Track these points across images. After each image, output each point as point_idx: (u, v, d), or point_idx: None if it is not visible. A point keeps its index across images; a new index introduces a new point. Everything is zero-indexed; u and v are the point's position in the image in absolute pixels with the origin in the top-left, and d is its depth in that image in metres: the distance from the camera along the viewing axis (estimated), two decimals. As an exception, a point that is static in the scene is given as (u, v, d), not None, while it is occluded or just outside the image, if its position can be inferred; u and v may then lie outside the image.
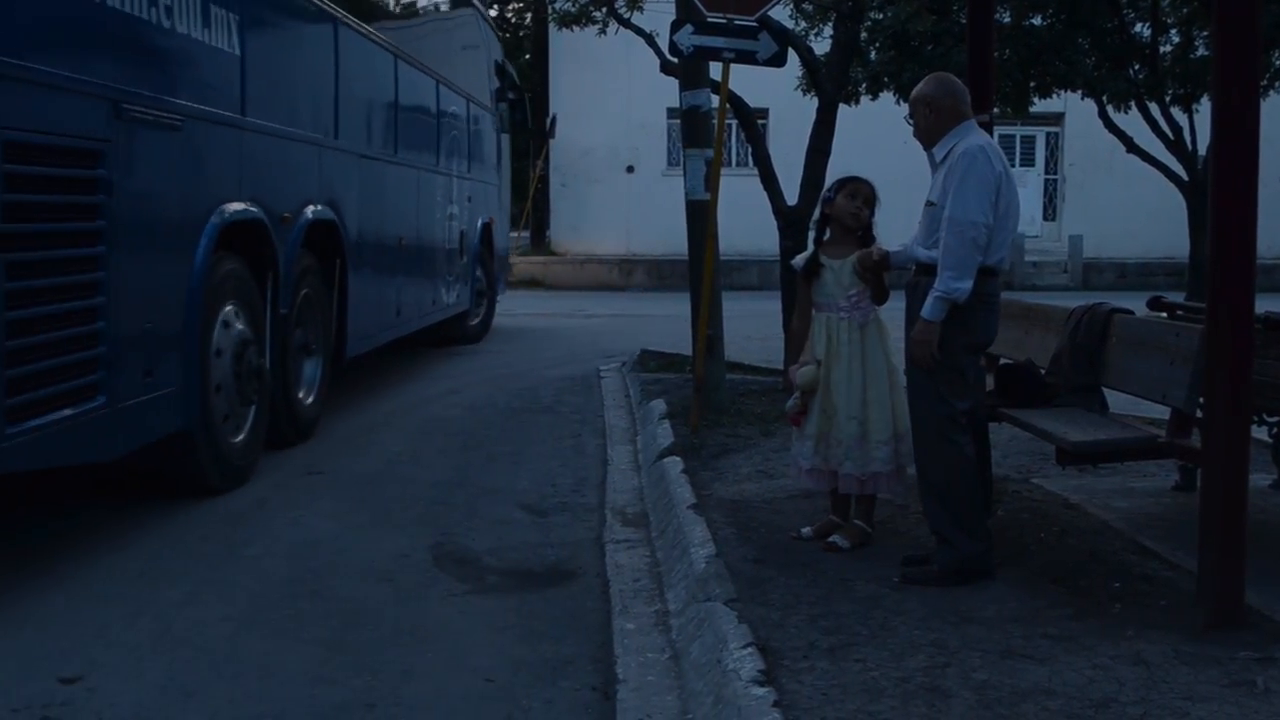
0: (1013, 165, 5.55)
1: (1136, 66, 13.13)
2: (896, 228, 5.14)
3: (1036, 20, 12.78)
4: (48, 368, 4.70)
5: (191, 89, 5.94)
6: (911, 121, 4.81)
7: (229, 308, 6.42)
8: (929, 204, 4.65)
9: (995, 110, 6.02)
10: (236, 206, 6.44)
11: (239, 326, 6.52)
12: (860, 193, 5.10)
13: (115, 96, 5.16)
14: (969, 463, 4.64)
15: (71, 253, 4.90)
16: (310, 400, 7.92)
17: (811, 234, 5.36)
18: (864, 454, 5.02)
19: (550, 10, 10.73)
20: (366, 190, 8.89)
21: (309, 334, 7.86)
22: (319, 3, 7.87)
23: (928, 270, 4.59)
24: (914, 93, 4.82)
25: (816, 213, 5.38)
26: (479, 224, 13.31)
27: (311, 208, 7.65)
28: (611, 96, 25.21)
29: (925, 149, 4.80)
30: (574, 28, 13.83)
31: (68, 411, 4.83)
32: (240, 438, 6.60)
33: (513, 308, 18.16)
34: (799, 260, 5.31)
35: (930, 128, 4.72)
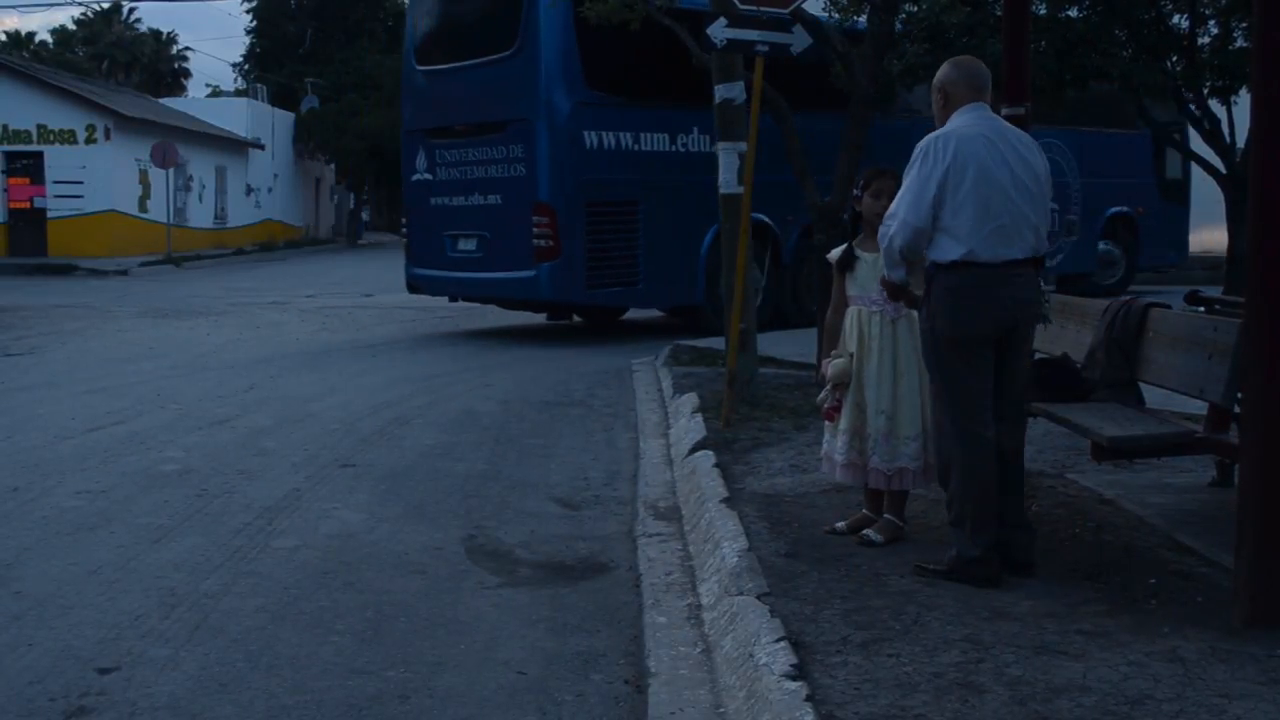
0: (1048, 158, 5.40)
1: (1174, 58, 13.01)
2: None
3: (1072, 11, 12.68)
4: (609, 272, 12.97)
5: (696, 172, 12.32)
6: None
7: None
8: None
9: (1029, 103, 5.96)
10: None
11: None
12: (886, 190, 5.06)
13: (643, 180, 13.15)
14: (968, 470, 4.48)
15: (623, 237, 13.00)
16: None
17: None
18: (891, 449, 5.00)
19: (586, 3, 10.73)
20: None
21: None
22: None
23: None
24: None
25: (849, 210, 5.36)
26: (1106, 213, 18.46)
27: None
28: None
29: None
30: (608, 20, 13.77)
31: (619, 289, 13.14)
32: None
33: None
34: (834, 254, 5.30)
35: (940, 114, 4.65)
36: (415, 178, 14.47)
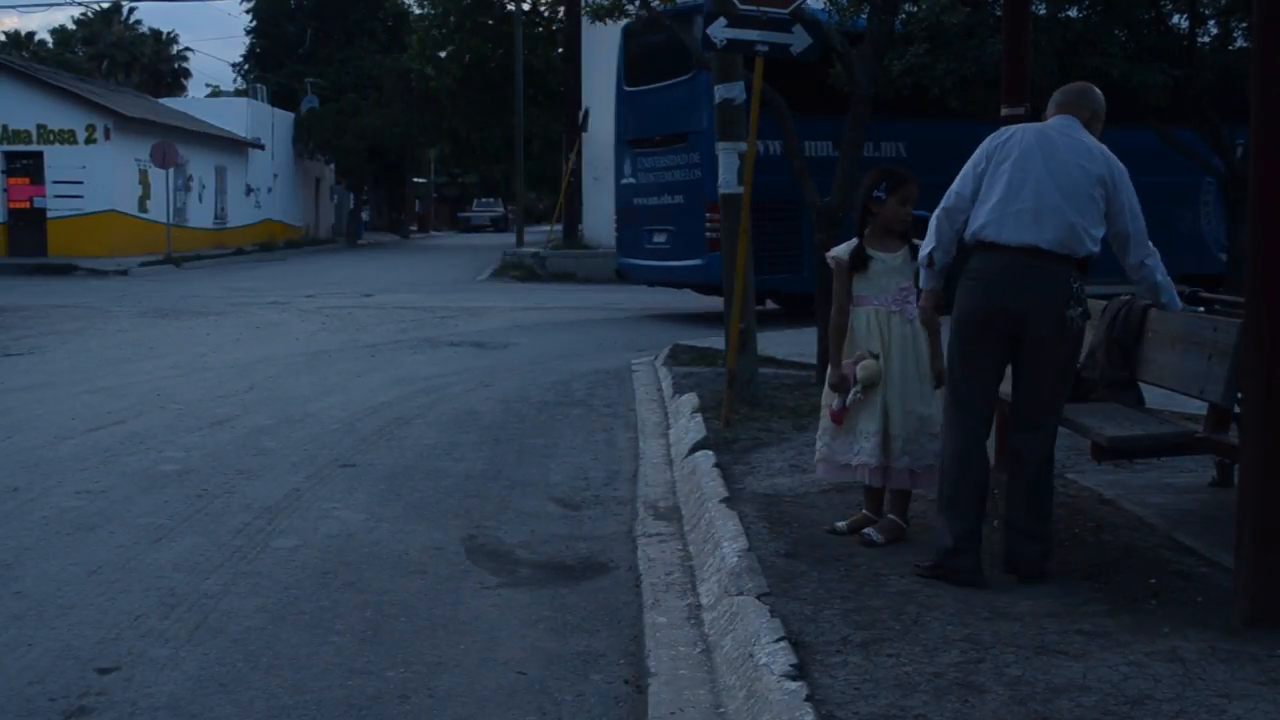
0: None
1: (1174, 58, 13.00)
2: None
3: (1072, 11, 12.68)
4: (773, 261, 14.17)
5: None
6: None
7: None
8: None
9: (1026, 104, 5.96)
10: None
11: None
12: (910, 197, 5.04)
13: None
14: (954, 458, 4.56)
15: (786, 231, 14.87)
16: None
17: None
18: (920, 448, 4.99)
19: (584, 4, 10.75)
20: None
21: None
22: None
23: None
24: None
25: (858, 206, 5.23)
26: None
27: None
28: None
29: None
30: (607, 21, 13.86)
31: (785, 275, 14.93)
32: None
33: (544, 300, 18.25)
34: (841, 251, 5.18)
35: None
36: (623, 181, 17.37)
